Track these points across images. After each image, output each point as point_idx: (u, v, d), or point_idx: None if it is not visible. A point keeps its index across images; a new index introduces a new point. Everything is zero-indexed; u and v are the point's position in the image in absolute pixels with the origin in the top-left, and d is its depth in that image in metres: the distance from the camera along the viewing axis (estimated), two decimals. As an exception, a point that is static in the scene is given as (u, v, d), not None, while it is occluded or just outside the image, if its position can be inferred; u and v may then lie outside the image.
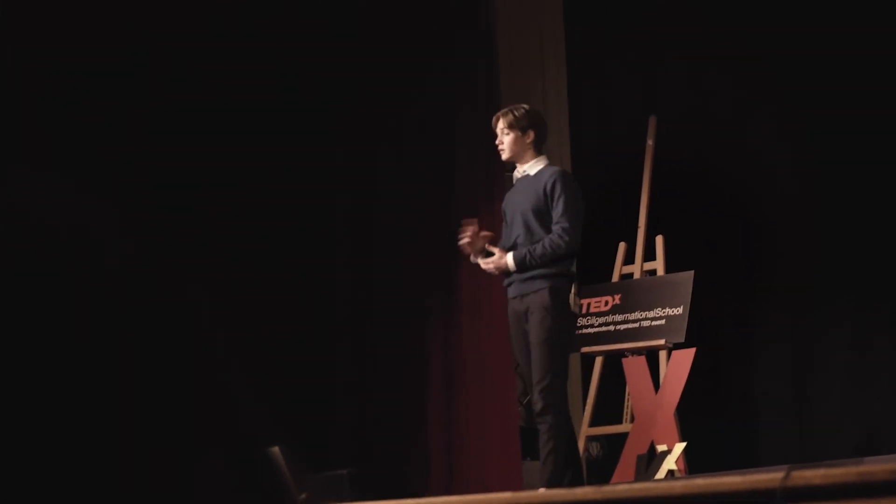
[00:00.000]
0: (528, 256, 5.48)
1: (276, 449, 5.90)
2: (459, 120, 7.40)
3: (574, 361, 6.95)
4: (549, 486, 5.41)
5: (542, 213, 5.54)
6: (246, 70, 7.14)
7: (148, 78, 6.65)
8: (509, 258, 5.53)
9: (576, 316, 5.63)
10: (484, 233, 5.64)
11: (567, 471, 5.49)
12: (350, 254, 7.78)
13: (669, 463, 5.39)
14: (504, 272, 5.57)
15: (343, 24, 7.48)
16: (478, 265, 5.84)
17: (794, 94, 7.14)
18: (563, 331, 5.52)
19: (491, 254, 5.72)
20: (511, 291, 5.57)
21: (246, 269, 6.75)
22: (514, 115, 5.61)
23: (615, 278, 6.67)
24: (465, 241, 5.61)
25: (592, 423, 6.42)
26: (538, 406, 5.42)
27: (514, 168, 5.77)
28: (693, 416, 6.14)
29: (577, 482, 5.43)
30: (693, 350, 5.92)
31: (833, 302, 7.07)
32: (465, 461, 7.17)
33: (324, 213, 7.72)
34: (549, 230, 5.53)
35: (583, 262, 6.86)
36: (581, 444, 6.76)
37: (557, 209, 5.52)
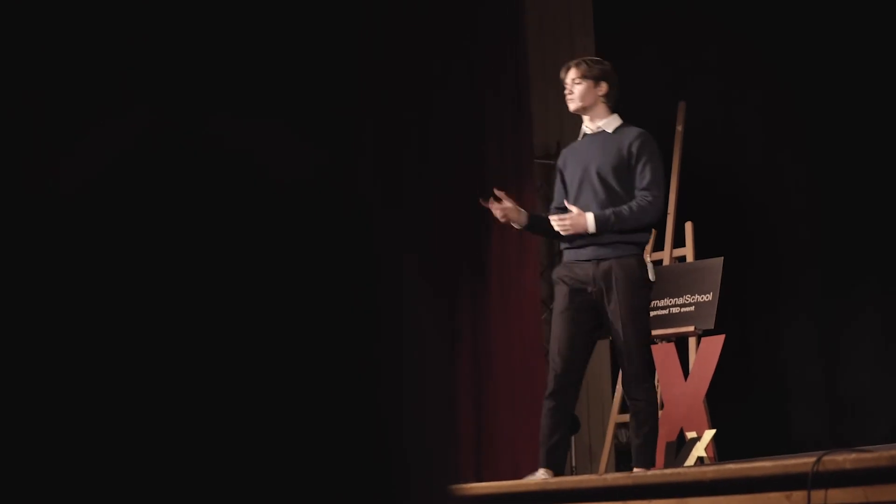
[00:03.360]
0: (612, 218, 5.09)
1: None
2: (488, 103, 7.40)
3: (603, 348, 6.93)
4: (640, 467, 5.33)
5: (623, 173, 5.20)
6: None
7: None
8: (590, 218, 5.11)
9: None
10: (512, 203, 5.27)
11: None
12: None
13: (699, 450, 5.36)
14: (579, 233, 5.14)
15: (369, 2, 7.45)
16: (513, 237, 5.56)
17: (825, 81, 7.09)
18: (648, 303, 5.40)
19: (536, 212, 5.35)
20: (581, 254, 5.17)
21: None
22: (587, 64, 5.31)
23: (644, 265, 6.65)
24: (501, 216, 5.27)
25: (622, 411, 6.41)
26: (632, 385, 5.25)
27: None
28: (723, 402, 6.11)
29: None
30: (722, 337, 5.90)
31: (862, 285, 7.03)
32: (495, 448, 7.18)
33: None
34: (629, 191, 5.20)
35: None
36: (610, 432, 6.75)
37: (644, 175, 5.18)
